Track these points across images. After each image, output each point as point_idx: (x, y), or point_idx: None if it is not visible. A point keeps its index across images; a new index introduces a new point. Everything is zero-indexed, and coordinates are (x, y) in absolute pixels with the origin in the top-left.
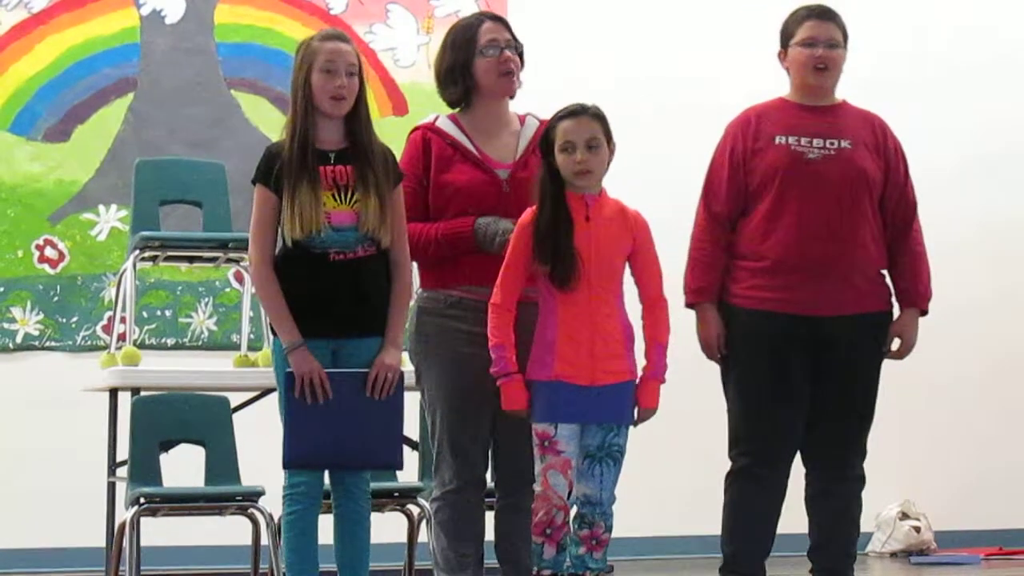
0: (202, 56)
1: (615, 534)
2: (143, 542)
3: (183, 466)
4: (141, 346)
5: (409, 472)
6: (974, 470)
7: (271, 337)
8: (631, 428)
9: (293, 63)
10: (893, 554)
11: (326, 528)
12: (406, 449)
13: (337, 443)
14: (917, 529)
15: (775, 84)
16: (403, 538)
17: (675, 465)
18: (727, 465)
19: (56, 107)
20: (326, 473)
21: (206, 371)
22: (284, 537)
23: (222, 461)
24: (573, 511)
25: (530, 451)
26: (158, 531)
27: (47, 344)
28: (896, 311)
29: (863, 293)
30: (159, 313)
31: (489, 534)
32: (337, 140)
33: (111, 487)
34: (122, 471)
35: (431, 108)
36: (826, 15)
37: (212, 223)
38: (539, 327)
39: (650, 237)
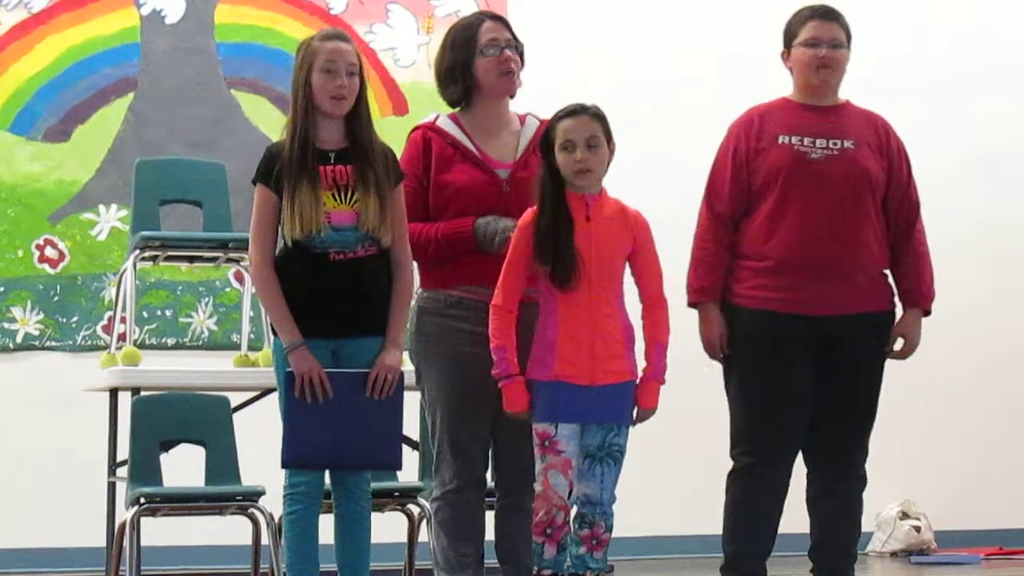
0: (202, 56)
1: (615, 534)
2: (143, 542)
3: (183, 466)
4: (141, 346)
5: (409, 472)
6: (974, 470)
7: (271, 337)
8: (631, 427)
9: (293, 63)
10: (893, 554)
11: (327, 528)
12: (406, 449)
13: (337, 443)
14: (917, 529)
15: (775, 84)
16: (403, 538)
17: (675, 465)
18: (727, 465)
19: (56, 107)
20: (327, 473)
21: (206, 371)
22: (284, 537)
23: (222, 461)
24: (573, 511)
25: (530, 451)
26: (158, 531)
27: (47, 344)
28: (899, 311)
29: (866, 293)
30: (159, 313)
31: (489, 534)
32: (337, 140)
33: (111, 487)
34: (122, 471)
35: (431, 108)
36: (829, 15)
37: (212, 223)
38: (539, 327)
39: (650, 237)
